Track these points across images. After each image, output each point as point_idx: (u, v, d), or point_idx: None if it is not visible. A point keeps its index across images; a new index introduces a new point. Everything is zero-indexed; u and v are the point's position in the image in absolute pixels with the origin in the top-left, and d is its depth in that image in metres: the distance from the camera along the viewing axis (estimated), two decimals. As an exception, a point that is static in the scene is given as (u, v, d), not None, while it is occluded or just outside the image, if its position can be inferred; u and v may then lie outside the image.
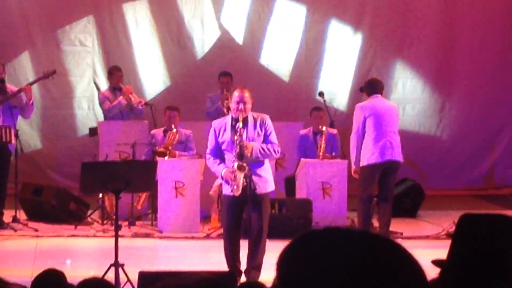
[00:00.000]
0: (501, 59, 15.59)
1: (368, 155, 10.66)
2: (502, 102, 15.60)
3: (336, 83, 15.22)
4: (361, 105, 10.84)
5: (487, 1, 15.46)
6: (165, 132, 12.10)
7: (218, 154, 8.58)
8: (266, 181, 8.56)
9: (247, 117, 8.48)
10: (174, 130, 11.92)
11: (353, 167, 10.84)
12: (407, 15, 15.35)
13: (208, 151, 8.70)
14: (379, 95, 10.92)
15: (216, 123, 8.70)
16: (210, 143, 8.65)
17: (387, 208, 10.83)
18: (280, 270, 1.76)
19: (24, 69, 14.47)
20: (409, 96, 15.43)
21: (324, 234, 1.77)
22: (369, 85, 11.07)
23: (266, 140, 8.52)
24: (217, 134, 8.56)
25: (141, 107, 12.63)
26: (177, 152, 11.87)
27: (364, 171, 10.74)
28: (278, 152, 8.75)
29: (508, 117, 15.48)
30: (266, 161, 8.64)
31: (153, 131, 12.29)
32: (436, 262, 2.95)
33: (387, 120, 10.83)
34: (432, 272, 2.60)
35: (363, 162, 10.70)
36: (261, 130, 8.52)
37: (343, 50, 15.33)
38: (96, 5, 14.93)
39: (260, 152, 8.43)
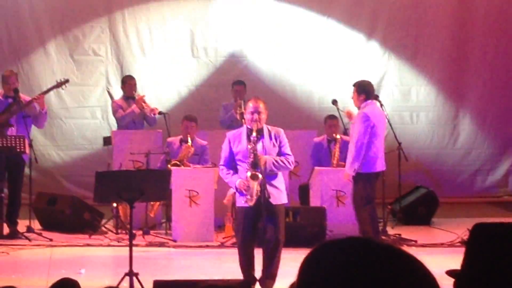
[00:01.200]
0: (510, 77, 15.57)
1: (373, 163, 10.62)
2: (511, 116, 15.58)
3: (349, 91, 15.17)
4: (368, 113, 10.58)
5: (500, 9, 15.43)
6: (181, 142, 12.07)
7: (232, 165, 8.57)
8: (281, 192, 8.55)
9: (262, 128, 8.48)
10: (190, 143, 11.87)
11: (352, 173, 10.61)
12: (421, 23, 15.32)
13: (221, 162, 8.69)
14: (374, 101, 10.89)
15: (231, 134, 8.71)
16: (224, 153, 8.65)
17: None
18: (301, 277, 1.79)
19: (37, 79, 14.49)
20: (422, 103, 15.42)
21: (345, 243, 1.79)
22: (368, 88, 10.82)
23: (280, 152, 8.52)
24: (232, 145, 8.55)
25: (154, 116, 12.65)
26: (191, 165, 11.87)
27: (371, 177, 10.67)
28: (292, 163, 8.73)
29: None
30: (280, 173, 8.64)
31: (169, 139, 12.25)
32: (450, 273, 2.97)
33: (383, 127, 10.84)
34: (446, 281, 2.62)
35: (369, 169, 10.62)
36: (276, 142, 8.53)
37: (357, 57, 15.33)
38: (109, 14, 14.94)
39: (274, 164, 8.42)
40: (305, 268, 1.80)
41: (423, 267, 1.76)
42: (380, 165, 10.68)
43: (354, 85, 10.92)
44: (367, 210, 10.63)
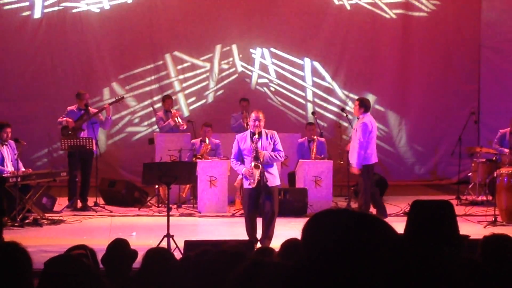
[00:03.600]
0: (442, 90, 15.52)
1: (370, 156, 10.56)
2: (442, 120, 15.52)
3: (322, 106, 15.22)
4: (367, 122, 10.49)
5: (431, 49, 15.42)
6: (201, 142, 12.10)
7: (239, 158, 8.57)
8: (275, 177, 8.55)
9: (261, 131, 8.48)
10: (207, 142, 11.95)
11: (358, 167, 10.48)
12: (373, 59, 15.29)
13: (232, 156, 8.69)
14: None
15: (238, 136, 8.70)
16: (234, 150, 8.64)
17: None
18: (304, 235, 1.80)
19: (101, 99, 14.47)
20: (375, 115, 15.38)
21: (333, 213, 1.82)
22: (368, 104, 10.73)
23: (274, 148, 8.52)
24: (240, 144, 8.55)
25: (182, 128, 12.58)
26: (209, 158, 11.88)
27: (371, 168, 10.64)
28: (282, 157, 8.76)
29: (446, 130, 15.38)
30: (274, 164, 8.62)
31: (193, 141, 12.29)
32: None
33: (375, 132, 10.82)
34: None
35: (369, 161, 10.55)
36: (271, 141, 8.52)
37: (328, 84, 15.30)
38: (154, 55, 14.89)
39: (269, 158, 8.44)
40: (307, 229, 1.81)
41: (390, 226, 1.79)
42: (374, 158, 10.67)
43: (357, 100, 10.91)
44: (370, 192, 10.59)
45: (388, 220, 10.62)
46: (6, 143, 10.57)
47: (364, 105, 10.63)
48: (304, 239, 1.79)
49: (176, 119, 12.50)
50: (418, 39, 15.41)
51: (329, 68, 15.31)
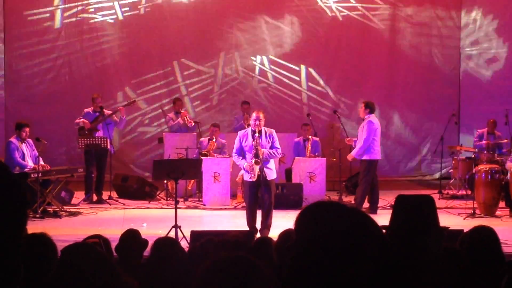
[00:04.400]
0: (426, 94, 15.52)
1: (374, 153, 10.56)
2: (425, 122, 15.50)
3: (316, 109, 15.21)
4: (373, 120, 10.59)
5: (416, 57, 15.40)
6: (208, 140, 12.09)
7: (241, 153, 8.57)
8: (272, 171, 8.55)
9: (261, 130, 8.47)
10: (214, 140, 11.94)
11: (356, 157, 10.63)
12: (363, 66, 15.25)
13: (234, 151, 8.69)
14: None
15: (240, 133, 8.69)
16: (236, 146, 8.64)
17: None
18: (296, 224, 1.80)
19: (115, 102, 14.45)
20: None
21: (324, 204, 1.82)
22: (372, 106, 10.75)
23: (272, 146, 8.51)
24: (241, 140, 8.55)
25: (191, 125, 12.62)
26: (215, 155, 11.87)
27: (374, 163, 10.61)
28: (280, 154, 8.77)
29: (429, 130, 15.40)
30: (272, 160, 8.62)
31: (201, 139, 12.26)
32: (382, 227, 2.98)
33: (379, 131, 10.80)
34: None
35: (373, 157, 10.53)
36: (270, 139, 8.53)
37: (321, 89, 15.28)
38: (162, 63, 14.88)
39: (268, 154, 8.45)
40: (299, 219, 1.82)
41: (373, 221, 1.79)
42: (379, 155, 10.68)
43: (363, 102, 10.89)
44: (368, 187, 10.57)
45: (377, 212, 10.58)
46: (25, 141, 10.66)
47: (369, 107, 10.70)
48: (296, 228, 1.79)
49: (185, 117, 12.52)
50: (404, 48, 15.41)
51: (323, 74, 15.30)
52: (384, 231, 2.93)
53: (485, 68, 15.43)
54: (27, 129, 10.68)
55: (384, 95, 15.40)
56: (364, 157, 10.59)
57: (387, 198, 11.28)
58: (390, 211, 3.11)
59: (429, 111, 15.49)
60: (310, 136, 12.29)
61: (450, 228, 5.26)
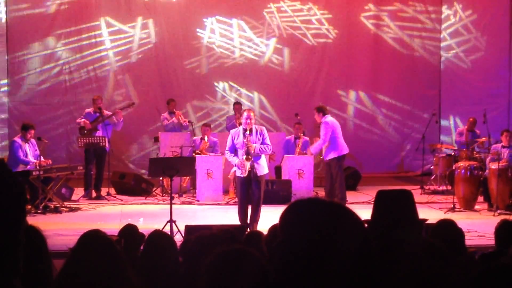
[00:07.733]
0: (408, 94, 15.50)
1: (340, 149, 10.56)
2: (408, 120, 15.52)
3: (306, 106, 15.20)
4: (328, 121, 10.59)
5: (398, 59, 15.43)
6: (201, 139, 12.09)
7: (233, 150, 8.58)
8: (263, 167, 8.56)
9: (252, 128, 8.50)
10: (206, 139, 11.94)
11: (314, 154, 11.08)
12: (349, 68, 15.25)
13: (227, 148, 8.70)
14: (329, 114, 10.90)
15: (233, 131, 8.70)
16: (228, 143, 8.65)
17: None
18: (281, 221, 1.82)
19: (114, 104, 14.42)
20: (351, 114, 15.45)
21: (307, 201, 1.83)
22: (323, 109, 10.80)
23: (263, 142, 8.53)
24: (234, 138, 8.56)
25: (185, 124, 12.63)
26: (208, 153, 11.89)
27: (341, 158, 10.58)
28: (270, 150, 8.76)
29: (411, 129, 15.45)
30: (262, 155, 8.64)
31: (193, 138, 12.26)
32: (365, 221, 3.01)
33: (339, 128, 10.83)
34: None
35: (340, 153, 10.52)
36: (260, 136, 8.55)
37: (312, 86, 15.31)
38: (158, 66, 14.85)
39: (259, 150, 8.47)
40: (284, 216, 1.83)
41: (355, 215, 1.81)
42: (345, 149, 10.65)
43: (315, 108, 10.91)
44: (344, 180, 10.64)
45: (361, 206, 10.57)
46: (29, 141, 10.66)
47: (321, 110, 10.73)
48: (281, 224, 1.81)
49: (179, 117, 12.52)
50: (388, 50, 15.43)
51: (311, 74, 15.30)
52: (366, 225, 2.98)
53: (464, 69, 15.50)
54: (32, 131, 10.71)
55: (368, 95, 15.44)
56: (332, 156, 10.54)
57: (371, 194, 11.32)
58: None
59: (411, 111, 15.50)
60: (301, 134, 12.33)
61: (427, 221, 5.31)
